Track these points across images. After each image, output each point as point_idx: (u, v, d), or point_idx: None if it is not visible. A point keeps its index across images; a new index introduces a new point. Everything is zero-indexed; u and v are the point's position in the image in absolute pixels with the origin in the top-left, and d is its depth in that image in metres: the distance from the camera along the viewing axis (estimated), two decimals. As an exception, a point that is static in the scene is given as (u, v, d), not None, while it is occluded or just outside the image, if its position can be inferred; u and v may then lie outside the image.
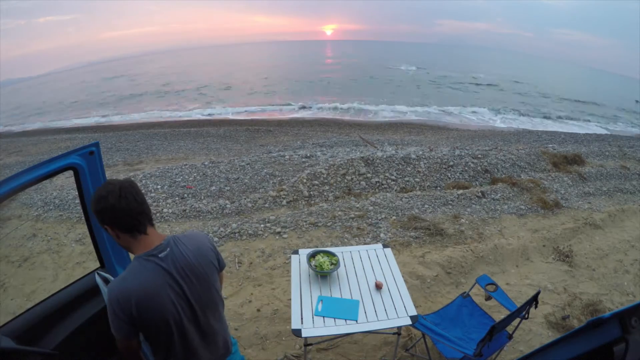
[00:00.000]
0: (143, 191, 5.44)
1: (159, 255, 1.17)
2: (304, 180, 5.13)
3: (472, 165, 5.73)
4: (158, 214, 4.50)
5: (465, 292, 2.54)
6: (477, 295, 2.66)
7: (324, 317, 1.93)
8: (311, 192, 4.96)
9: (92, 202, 1.13)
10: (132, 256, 1.25)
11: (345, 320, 1.91)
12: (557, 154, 6.65)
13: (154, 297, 1.13)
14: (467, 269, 3.39)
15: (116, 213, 1.10)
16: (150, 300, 1.12)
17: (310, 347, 2.31)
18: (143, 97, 23.91)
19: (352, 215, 4.26)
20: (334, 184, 5.13)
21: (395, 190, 5.11)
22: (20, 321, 1.43)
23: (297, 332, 1.83)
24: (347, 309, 1.99)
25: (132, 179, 5.72)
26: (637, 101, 25.53)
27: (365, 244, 3.72)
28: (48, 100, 27.44)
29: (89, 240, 2.06)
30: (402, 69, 38.90)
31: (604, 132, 14.68)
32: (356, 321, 1.92)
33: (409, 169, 5.51)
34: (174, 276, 1.18)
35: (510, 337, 2.10)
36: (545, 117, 17.60)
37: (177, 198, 4.99)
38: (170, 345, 1.23)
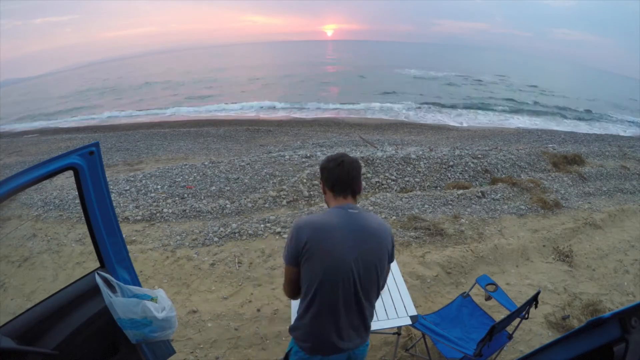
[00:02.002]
0: (143, 191, 5.42)
1: (349, 210, 1.35)
2: (304, 180, 5.13)
3: (472, 165, 5.73)
4: (158, 214, 4.50)
5: (465, 292, 2.54)
6: (477, 295, 2.66)
7: None
8: (311, 192, 4.95)
9: (323, 160, 1.45)
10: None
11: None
12: (557, 154, 6.65)
13: (330, 231, 1.29)
14: (467, 269, 3.39)
15: (329, 175, 1.40)
16: (325, 232, 1.29)
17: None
18: (141, 98, 23.92)
19: (352, 215, 4.25)
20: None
21: (395, 190, 5.11)
22: (20, 321, 1.43)
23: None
24: None
25: (132, 178, 5.70)
26: None
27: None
28: (48, 100, 27.44)
29: (89, 240, 2.05)
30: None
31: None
32: None
33: (409, 169, 5.51)
34: (354, 229, 1.31)
35: (510, 337, 2.10)
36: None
37: (177, 198, 4.99)
38: (319, 290, 1.29)
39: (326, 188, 1.43)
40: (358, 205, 1.43)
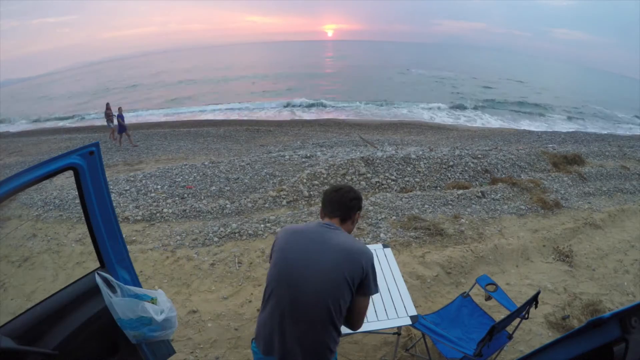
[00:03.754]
0: (143, 191, 5.42)
1: (323, 224, 1.40)
2: (304, 180, 5.13)
3: (472, 165, 5.73)
4: (158, 214, 4.50)
5: (465, 292, 2.53)
6: (477, 295, 2.66)
7: None
8: (311, 192, 4.96)
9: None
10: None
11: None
12: (557, 154, 6.65)
13: (294, 235, 1.38)
14: (467, 269, 3.39)
15: (325, 197, 1.48)
16: (290, 235, 1.39)
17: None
18: (141, 98, 23.91)
19: (352, 215, 4.25)
20: (334, 184, 5.13)
21: (395, 190, 5.11)
22: (20, 321, 1.43)
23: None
24: None
25: (132, 178, 5.71)
26: None
27: (365, 244, 3.72)
28: (48, 100, 27.41)
29: (89, 240, 2.05)
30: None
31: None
32: None
33: (409, 169, 5.51)
34: (314, 239, 1.35)
35: (510, 337, 2.10)
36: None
37: (177, 198, 4.99)
38: (272, 290, 1.32)
39: (322, 210, 1.49)
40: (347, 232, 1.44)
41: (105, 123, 11.49)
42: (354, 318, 1.39)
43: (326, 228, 1.38)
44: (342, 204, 1.43)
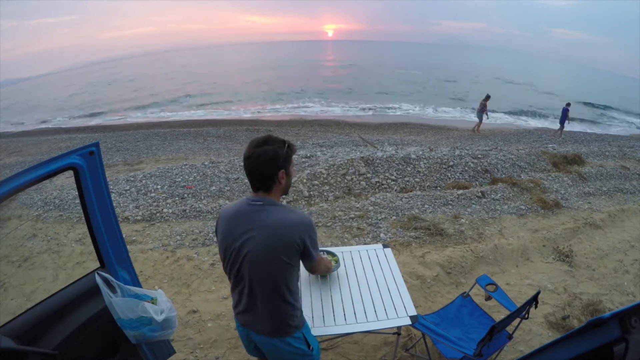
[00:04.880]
0: (143, 191, 5.40)
1: (249, 201, 1.34)
2: (304, 180, 5.13)
3: (472, 165, 5.73)
4: (158, 214, 4.50)
5: (465, 292, 2.53)
6: (477, 295, 2.66)
7: (323, 316, 1.94)
8: (311, 192, 4.95)
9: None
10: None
11: (345, 318, 1.91)
12: (557, 154, 6.65)
13: (226, 219, 1.37)
14: (467, 269, 3.39)
15: (244, 168, 1.33)
16: (223, 219, 1.39)
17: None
18: (142, 98, 23.91)
19: (352, 215, 4.26)
20: (334, 184, 5.13)
21: (395, 190, 5.11)
22: (20, 321, 1.43)
23: (297, 332, 1.83)
24: None
25: (132, 178, 5.70)
26: None
27: (365, 244, 3.72)
28: (48, 100, 27.42)
29: (89, 240, 2.05)
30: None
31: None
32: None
33: (409, 169, 5.51)
34: (242, 219, 1.33)
35: (510, 337, 2.10)
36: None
37: (177, 198, 4.99)
38: (226, 269, 1.42)
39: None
40: (282, 201, 1.41)
41: (477, 115, 12.36)
42: (312, 272, 1.62)
43: (253, 206, 1.31)
44: (257, 173, 1.29)
